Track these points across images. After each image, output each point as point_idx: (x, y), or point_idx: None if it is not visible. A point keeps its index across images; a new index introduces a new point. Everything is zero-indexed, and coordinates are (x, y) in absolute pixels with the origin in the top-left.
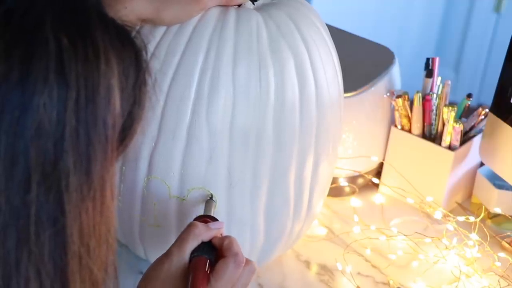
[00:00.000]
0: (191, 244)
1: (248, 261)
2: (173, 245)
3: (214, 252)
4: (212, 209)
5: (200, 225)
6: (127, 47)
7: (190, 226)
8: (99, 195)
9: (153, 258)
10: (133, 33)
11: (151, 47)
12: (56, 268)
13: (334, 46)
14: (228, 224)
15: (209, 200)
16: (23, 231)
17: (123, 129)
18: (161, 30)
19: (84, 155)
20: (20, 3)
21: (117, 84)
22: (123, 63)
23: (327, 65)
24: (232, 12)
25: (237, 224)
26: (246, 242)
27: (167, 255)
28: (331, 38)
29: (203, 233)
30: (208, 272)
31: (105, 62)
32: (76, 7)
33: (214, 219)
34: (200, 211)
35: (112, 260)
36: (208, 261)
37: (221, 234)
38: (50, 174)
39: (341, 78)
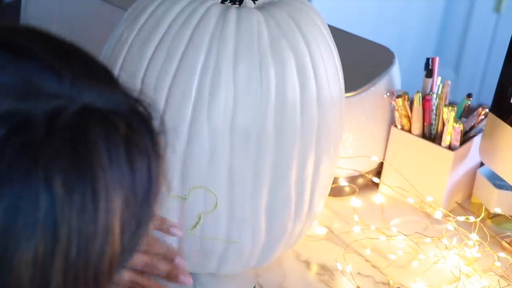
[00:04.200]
0: None
1: None
2: None
3: None
4: None
5: None
6: (138, 162)
7: None
8: None
9: None
10: (150, 117)
11: (152, 46)
12: None
13: (335, 45)
14: (229, 223)
15: None
16: None
17: (122, 252)
18: (162, 29)
19: None
20: (12, 140)
21: (118, 221)
22: (130, 191)
23: (328, 64)
24: (233, 11)
25: (238, 223)
26: (247, 242)
27: None
28: (332, 37)
29: None
30: None
31: (106, 210)
32: (78, 141)
33: None
34: (201, 209)
35: None
36: None
37: None
38: None
39: (342, 77)
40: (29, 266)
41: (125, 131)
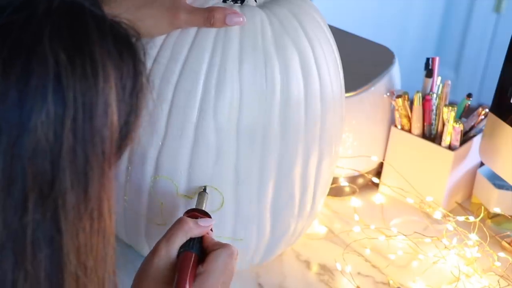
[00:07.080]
0: (180, 239)
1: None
2: (161, 240)
3: (202, 249)
4: (204, 202)
5: (190, 221)
6: (125, 55)
7: (179, 221)
8: (96, 214)
9: None
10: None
11: (157, 45)
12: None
13: (335, 44)
14: (235, 221)
15: (201, 193)
16: (19, 252)
17: (119, 139)
18: None
19: (81, 173)
20: (18, 16)
21: (114, 98)
22: (121, 74)
23: (330, 62)
24: (236, 10)
25: (244, 221)
26: (253, 239)
27: (155, 250)
28: (331, 34)
29: (193, 230)
30: (196, 267)
31: (104, 78)
32: (74, 19)
33: (205, 213)
34: (207, 208)
35: (111, 279)
36: (194, 256)
37: (211, 230)
38: (47, 193)
39: (342, 74)
40: (44, 126)
41: (110, 25)
